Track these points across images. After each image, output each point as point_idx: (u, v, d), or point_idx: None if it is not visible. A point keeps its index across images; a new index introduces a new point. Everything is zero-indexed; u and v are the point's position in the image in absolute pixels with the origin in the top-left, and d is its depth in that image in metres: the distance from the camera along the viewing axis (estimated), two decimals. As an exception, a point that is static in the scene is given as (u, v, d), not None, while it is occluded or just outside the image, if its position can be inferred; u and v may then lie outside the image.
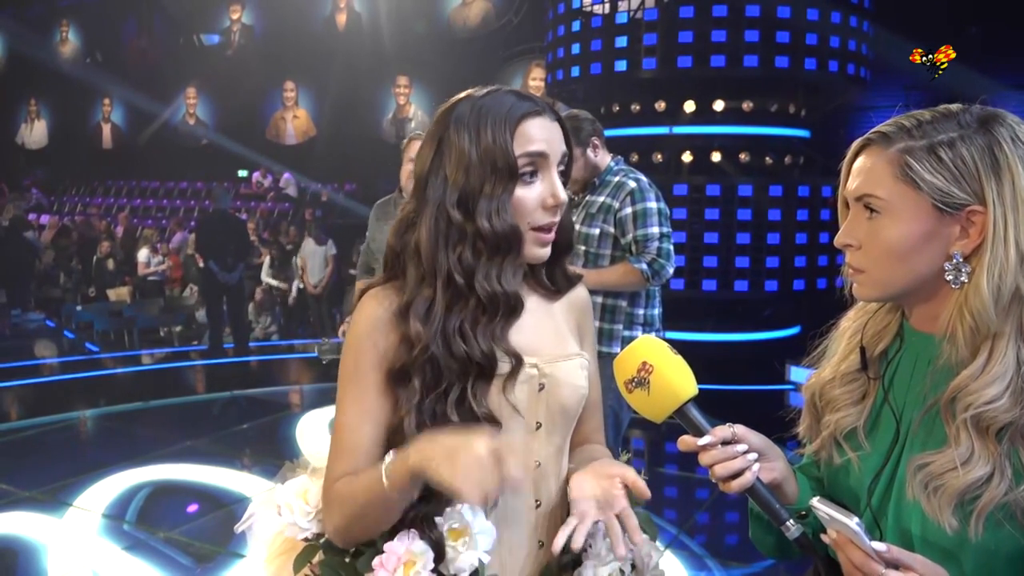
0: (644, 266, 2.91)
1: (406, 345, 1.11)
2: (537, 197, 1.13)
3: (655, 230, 2.93)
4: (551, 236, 1.16)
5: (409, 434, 1.09)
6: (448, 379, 1.10)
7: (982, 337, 0.98)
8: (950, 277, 1.01)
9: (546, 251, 1.17)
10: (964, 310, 0.99)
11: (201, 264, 7.92)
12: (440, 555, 1.09)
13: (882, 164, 1.02)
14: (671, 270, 2.96)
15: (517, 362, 1.13)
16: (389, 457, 1.06)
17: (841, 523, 0.93)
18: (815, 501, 0.97)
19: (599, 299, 2.99)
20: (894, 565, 0.92)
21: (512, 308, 1.14)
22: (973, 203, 0.98)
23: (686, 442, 1.05)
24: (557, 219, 1.15)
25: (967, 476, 0.95)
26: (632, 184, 2.97)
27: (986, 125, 1.00)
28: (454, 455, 0.97)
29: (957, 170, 0.98)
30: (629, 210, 2.94)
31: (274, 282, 9.78)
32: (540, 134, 1.12)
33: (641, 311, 3.05)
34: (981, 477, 0.95)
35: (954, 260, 1.00)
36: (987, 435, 0.96)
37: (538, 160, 1.12)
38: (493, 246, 1.11)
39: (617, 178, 3.01)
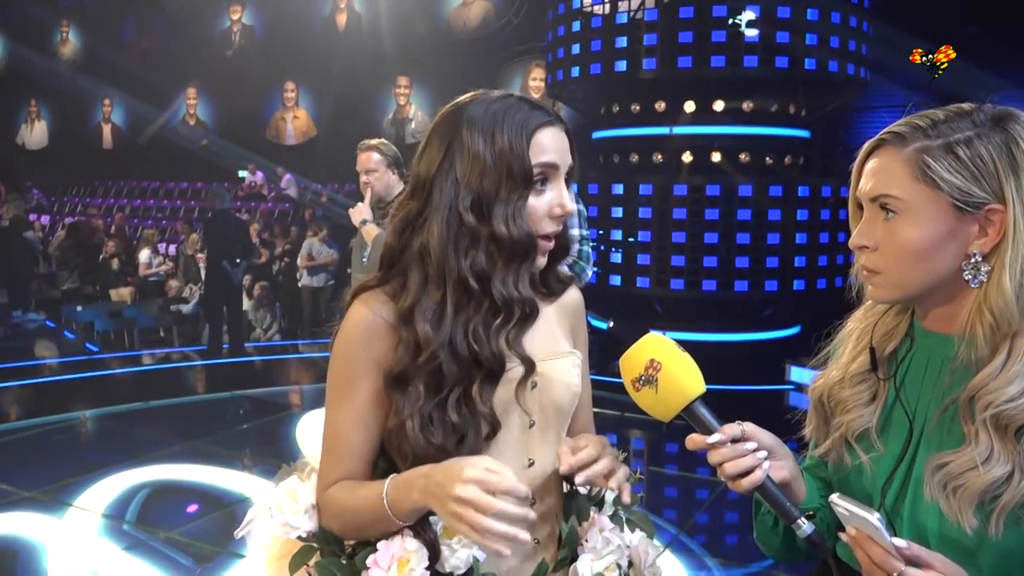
0: (564, 268, 2.90)
1: (406, 349, 1.11)
2: (546, 206, 1.14)
3: (574, 232, 2.82)
4: (551, 244, 1.17)
5: (412, 437, 1.09)
6: (450, 383, 1.10)
7: (1002, 335, 0.98)
8: (969, 276, 1.00)
9: (545, 258, 1.18)
10: (984, 308, 0.98)
11: (203, 264, 7.90)
12: (435, 554, 1.09)
13: (898, 164, 1.02)
14: (591, 272, 2.85)
15: (529, 367, 1.14)
16: (389, 482, 1.08)
17: (861, 518, 0.92)
18: (835, 497, 0.96)
19: None
20: (914, 563, 0.91)
21: (529, 313, 1.15)
22: (992, 201, 0.98)
23: (695, 440, 1.03)
24: (560, 228, 1.17)
25: (987, 475, 0.95)
26: None
27: (1001, 123, 1.00)
28: (443, 501, 0.99)
29: (976, 168, 0.98)
30: None
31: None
32: (553, 145, 1.14)
33: None
34: (1001, 476, 0.95)
35: (973, 259, 1.00)
36: (1006, 434, 0.96)
37: (549, 170, 1.13)
38: (509, 251, 1.11)
39: None
